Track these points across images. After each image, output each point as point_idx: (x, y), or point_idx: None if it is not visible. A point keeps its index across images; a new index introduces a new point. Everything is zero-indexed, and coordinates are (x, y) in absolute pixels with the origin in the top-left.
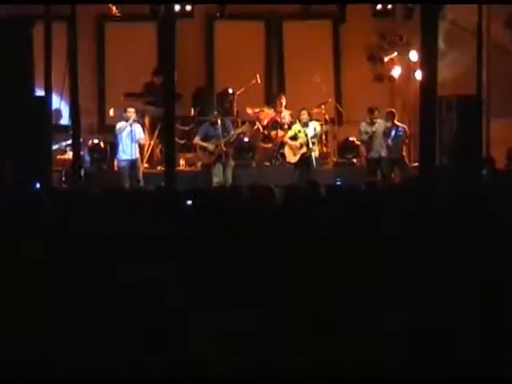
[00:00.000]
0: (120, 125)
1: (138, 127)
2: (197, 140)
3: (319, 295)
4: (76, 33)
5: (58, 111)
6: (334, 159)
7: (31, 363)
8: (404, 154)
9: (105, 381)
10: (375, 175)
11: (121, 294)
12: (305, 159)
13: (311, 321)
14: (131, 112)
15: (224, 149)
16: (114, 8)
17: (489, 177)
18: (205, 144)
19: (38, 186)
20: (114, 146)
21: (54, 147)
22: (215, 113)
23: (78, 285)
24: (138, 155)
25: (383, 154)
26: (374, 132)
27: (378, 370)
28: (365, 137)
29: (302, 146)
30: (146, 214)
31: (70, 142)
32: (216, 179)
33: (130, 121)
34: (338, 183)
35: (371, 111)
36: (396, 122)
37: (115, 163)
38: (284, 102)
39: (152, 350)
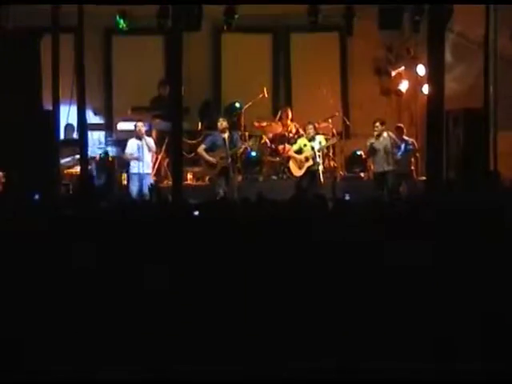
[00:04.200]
0: (132, 141)
1: (149, 139)
2: (201, 150)
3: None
4: (83, 45)
5: (70, 125)
6: (342, 173)
7: None
8: (412, 168)
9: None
10: (382, 189)
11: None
12: (310, 173)
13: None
14: (140, 126)
15: (229, 160)
16: (122, 21)
17: (496, 191)
18: (207, 156)
19: (36, 196)
20: (122, 160)
21: (64, 161)
22: (221, 119)
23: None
24: (150, 170)
25: (386, 168)
26: (371, 143)
27: None
28: (369, 149)
29: (307, 160)
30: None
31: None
32: (221, 192)
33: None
34: (347, 198)
35: (373, 123)
36: (405, 136)
37: (123, 177)
38: (290, 114)
39: None
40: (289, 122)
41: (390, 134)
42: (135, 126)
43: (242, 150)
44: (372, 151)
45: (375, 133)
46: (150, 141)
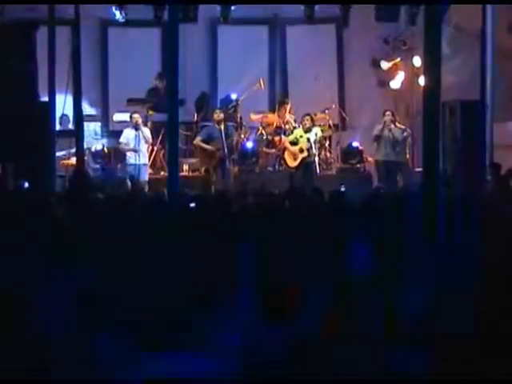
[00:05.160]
0: (128, 131)
1: (146, 130)
2: (197, 141)
3: None
4: (80, 37)
5: (66, 116)
6: (338, 165)
7: None
8: (408, 157)
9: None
10: (382, 179)
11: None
12: (306, 164)
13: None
14: (136, 117)
15: (225, 152)
16: (118, 13)
17: (493, 182)
18: (205, 145)
19: (26, 185)
20: (118, 152)
21: (59, 154)
22: (217, 111)
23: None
24: (146, 160)
25: (388, 158)
26: (379, 129)
27: None
28: (376, 136)
29: (302, 151)
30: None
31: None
32: (217, 183)
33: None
34: (342, 189)
35: (384, 112)
36: (397, 124)
37: (119, 168)
38: (288, 107)
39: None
40: (286, 114)
41: (398, 126)
42: (131, 116)
43: (235, 140)
44: (378, 138)
45: (384, 121)
46: (147, 131)
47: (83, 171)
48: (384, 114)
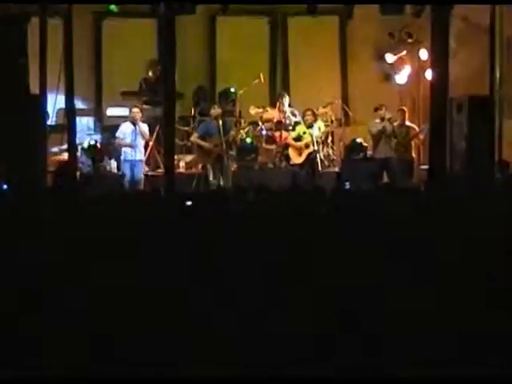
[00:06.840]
0: (125, 125)
1: (143, 125)
2: (194, 138)
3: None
4: (72, 29)
5: (62, 110)
6: (341, 160)
7: None
8: (414, 155)
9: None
10: (381, 176)
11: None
12: (310, 160)
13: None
14: (136, 112)
15: (223, 148)
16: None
17: (502, 180)
18: (202, 143)
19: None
20: (113, 147)
21: (51, 151)
22: (215, 106)
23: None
24: (142, 157)
25: (389, 154)
26: (375, 127)
27: None
28: (376, 133)
29: (308, 147)
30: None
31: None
32: (214, 181)
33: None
34: (347, 186)
35: (376, 110)
36: (407, 122)
37: (113, 164)
38: (286, 101)
39: None
40: (285, 108)
41: (410, 125)
42: (130, 110)
43: (232, 136)
44: (375, 135)
45: (378, 116)
46: (144, 127)
47: (69, 167)
48: (377, 110)
